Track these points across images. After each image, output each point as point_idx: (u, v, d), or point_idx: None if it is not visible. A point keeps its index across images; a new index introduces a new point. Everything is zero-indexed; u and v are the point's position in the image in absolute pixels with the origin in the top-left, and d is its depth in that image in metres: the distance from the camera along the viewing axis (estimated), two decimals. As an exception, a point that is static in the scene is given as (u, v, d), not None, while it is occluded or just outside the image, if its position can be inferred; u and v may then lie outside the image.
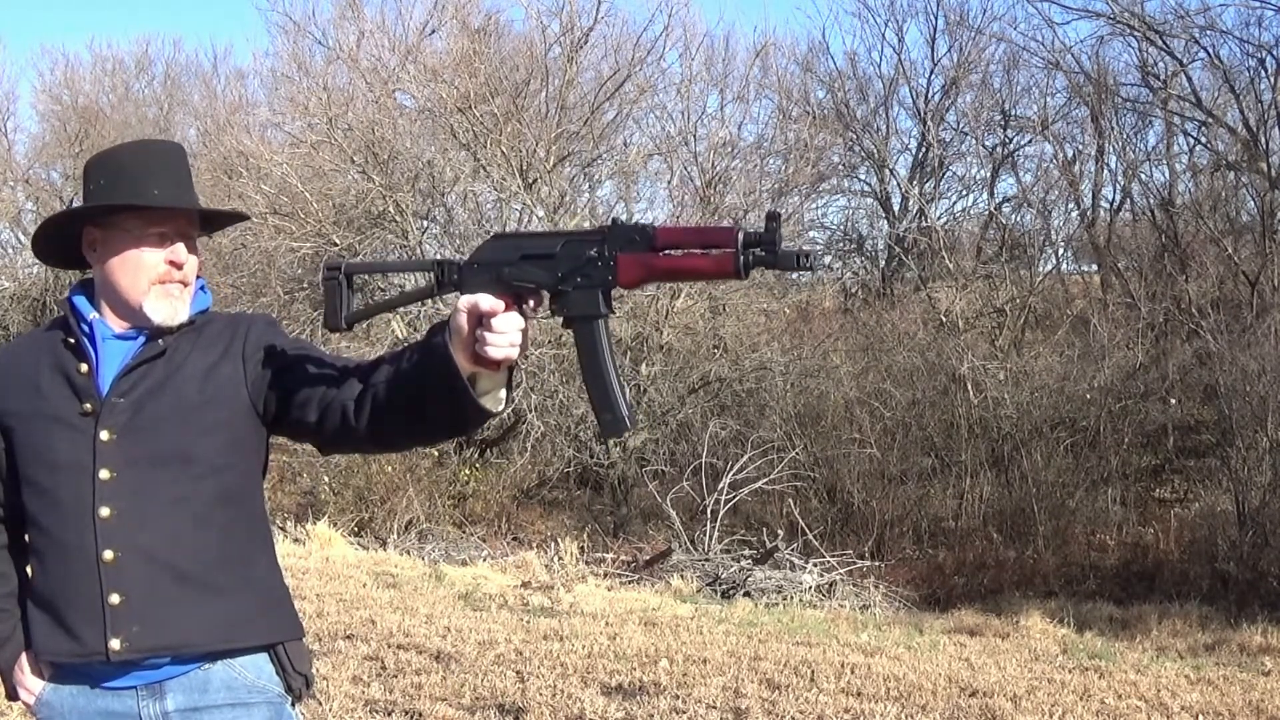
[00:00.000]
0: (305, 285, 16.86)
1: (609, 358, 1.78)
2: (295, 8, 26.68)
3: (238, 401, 2.05)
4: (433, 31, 17.86)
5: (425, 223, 17.38)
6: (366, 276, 17.94)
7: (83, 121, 26.15)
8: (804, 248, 1.68)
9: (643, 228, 1.73)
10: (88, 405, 2.01)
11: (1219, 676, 6.60)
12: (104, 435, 1.99)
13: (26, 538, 2.08)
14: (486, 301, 1.76)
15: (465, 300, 1.77)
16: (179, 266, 2.06)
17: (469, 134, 16.22)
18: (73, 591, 1.98)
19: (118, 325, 2.07)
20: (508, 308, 1.77)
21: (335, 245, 15.95)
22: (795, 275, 23.39)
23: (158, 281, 2.04)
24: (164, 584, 1.98)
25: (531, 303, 1.80)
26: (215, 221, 2.25)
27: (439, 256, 1.86)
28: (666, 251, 1.73)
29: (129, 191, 2.02)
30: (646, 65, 17.43)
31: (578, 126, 17.11)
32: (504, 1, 25.78)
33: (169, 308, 2.05)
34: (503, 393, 1.86)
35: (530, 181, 16.30)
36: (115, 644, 1.96)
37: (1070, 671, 6.59)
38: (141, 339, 2.07)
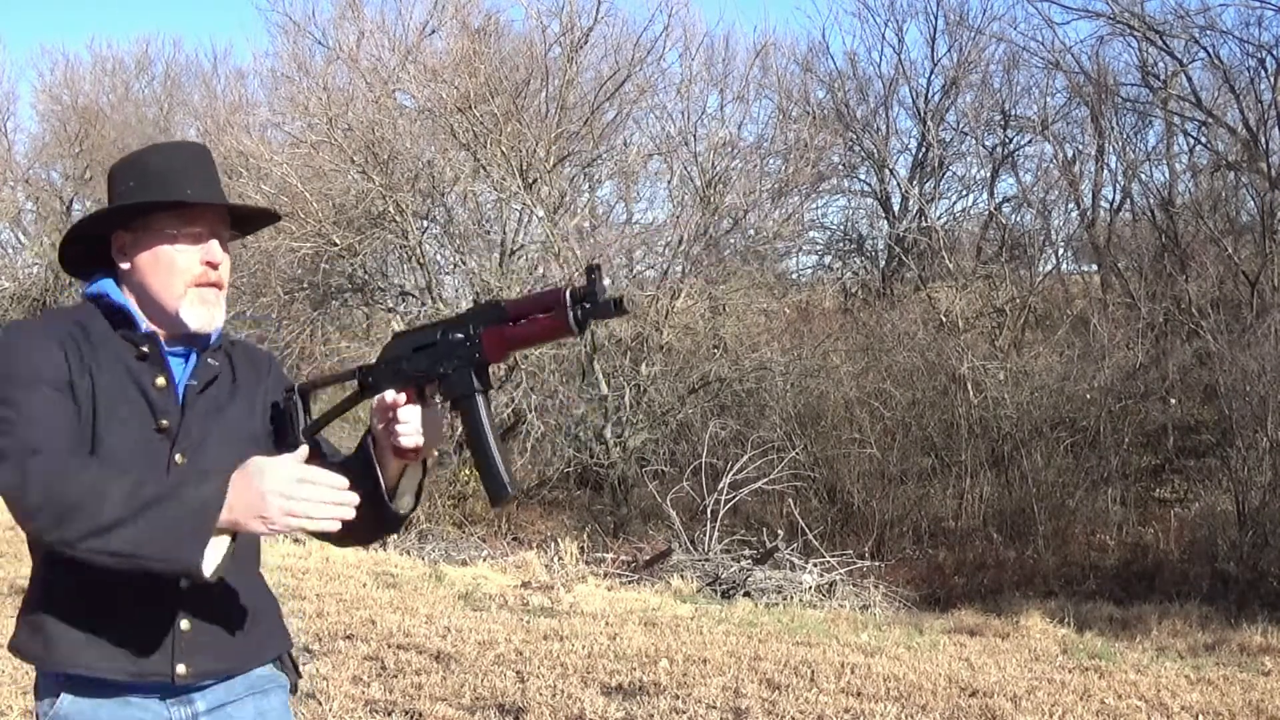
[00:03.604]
0: (305, 285, 16.86)
1: (489, 432, 1.90)
2: (295, 8, 26.80)
3: (261, 442, 2.07)
4: (433, 31, 17.89)
5: (425, 223, 17.38)
6: (366, 277, 17.92)
7: (83, 121, 26.15)
8: (620, 294, 1.79)
9: (497, 304, 1.88)
10: (164, 421, 1.96)
11: (1219, 676, 6.60)
12: (178, 458, 1.95)
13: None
14: (388, 397, 1.94)
15: (375, 400, 1.92)
16: (214, 266, 2.02)
17: (469, 134, 16.21)
18: (141, 613, 1.92)
19: (162, 338, 2.03)
20: (409, 400, 1.94)
21: (335, 245, 15.96)
22: (794, 274, 23.54)
23: (194, 284, 2.00)
24: (222, 609, 2.00)
25: (429, 391, 1.94)
26: (246, 222, 2.19)
27: (360, 364, 2.05)
28: (521, 320, 1.85)
29: (161, 191, 1.98)
30: (646, 65, 17.45)
31: (578, 126, 17.11)
32: (504, 1, 25.83)
33: (206, 313, 2.01)
34: (409, 498, 2.03)
35: (530, 181, 16.30)
36: (181, 669, 1.94)
37: (1070, 671, 6.58)
38: (193, 357, 2.04)
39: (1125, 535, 14.81)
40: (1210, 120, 19.64)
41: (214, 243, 2.03)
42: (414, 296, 17.12)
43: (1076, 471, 15.30)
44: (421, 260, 16.72)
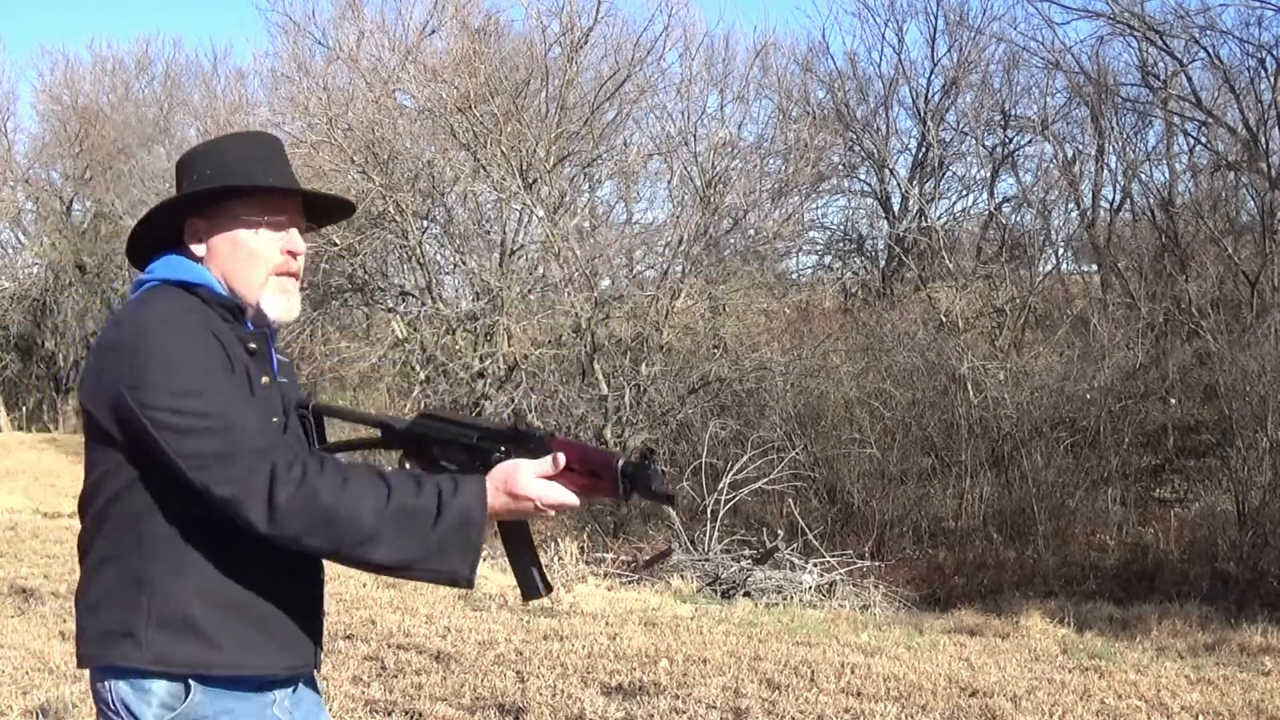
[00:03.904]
0: (305, 285, 16.84)
1: (524, 542, 1.96)
2: (295, 8, 26.74)
3: None
4: (433, 31, 17.90)
5: (425, 223, 17.39)
6: (366, 277, 17.88)
7: (83, 121, 26.17)
8: (669, 488, 1.83)
9: (539, 439, 1.84)
10: (275, 419, 1.93)
11: (1219, 676, 6.59)
12: None
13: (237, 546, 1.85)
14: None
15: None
16: (294, 256, 1.97)
17: (469, 134, 16.22)
18: (296, 608, 1.94)
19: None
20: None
21: (335, 245, 15.96)
22: (794, 274, 23.56)
23: (274, 273, 1.94)
24: (324, 598, 2.08)
25: None
26: (322, 214, 2.10)
27: (386, 419, 2.03)
28: (568, 469, 1.82)
29: (243, 178, 1.92)
30: (646, 65, 17.48)
31: (578, 126, 17.11)
32: (504, 1, 25.83)
33: (286, 303, 1.97)
34: None
35: (530, 181, 16.30)
36: (321, 655, 2.02)
37: (1070, 671, 6.58)
38: (274, 353, 2.00)
39: (1125, 535, 14.82)
40: (1210, 120, 19.65)
41: (294, 231, 1.97)
42: (414, 296, 17.13)
43: (1076, 471, 15.31)
44: (421, 260, 16.73)
